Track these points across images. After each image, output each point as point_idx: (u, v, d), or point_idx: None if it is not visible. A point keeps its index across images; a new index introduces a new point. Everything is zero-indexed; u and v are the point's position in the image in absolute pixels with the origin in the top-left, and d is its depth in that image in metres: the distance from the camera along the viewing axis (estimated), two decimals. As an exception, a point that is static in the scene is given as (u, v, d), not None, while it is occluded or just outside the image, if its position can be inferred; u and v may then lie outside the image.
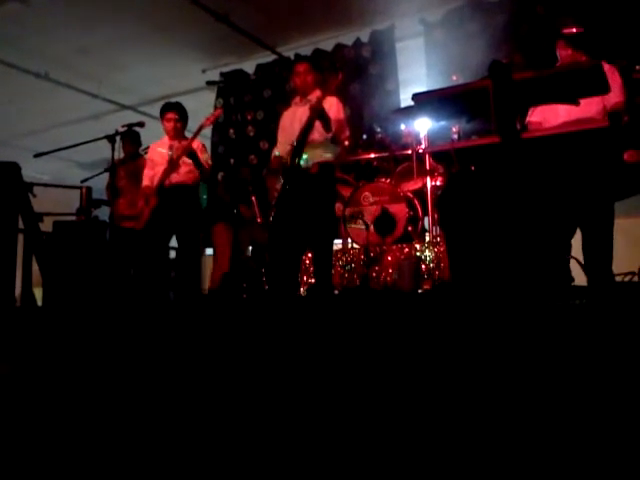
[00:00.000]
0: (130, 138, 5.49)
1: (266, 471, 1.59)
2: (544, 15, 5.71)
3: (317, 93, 3.97)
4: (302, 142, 3.94)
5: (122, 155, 5.46)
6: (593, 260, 3.19)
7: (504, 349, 1.88)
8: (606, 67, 3.35)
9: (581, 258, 3.32)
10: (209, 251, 6.22)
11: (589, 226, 3.21)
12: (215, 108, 7.74)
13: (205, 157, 4.61)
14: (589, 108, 3.31)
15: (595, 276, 3.14)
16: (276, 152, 4.23)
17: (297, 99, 4.21)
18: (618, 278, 3.38)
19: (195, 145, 4.51)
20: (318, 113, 3.82)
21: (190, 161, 4.44)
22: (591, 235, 3.20)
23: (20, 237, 4.19)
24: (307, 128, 3.93)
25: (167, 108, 4.66)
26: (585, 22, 4.95)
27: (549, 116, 3.56)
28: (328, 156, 4.01)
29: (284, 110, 4.41)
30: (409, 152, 5.44)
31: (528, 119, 3.65)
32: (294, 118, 4.10)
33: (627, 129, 3.19)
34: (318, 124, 3.88)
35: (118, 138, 4.88)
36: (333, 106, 3.99)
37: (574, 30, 3.58)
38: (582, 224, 3.27)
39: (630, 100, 3.45)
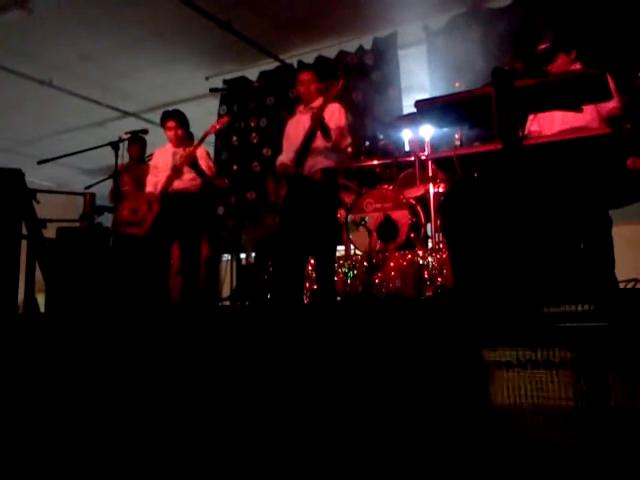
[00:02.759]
0: (137, 143, 5.52)
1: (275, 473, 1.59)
2: (546, 23, 5.72)
3: (320, 101, 3.98)
4: (305, 150, 3.96)
5: (126, 161, 5.48)
6: (595, 267, 3.18)
7: (505, 356, 1.87)
8: None
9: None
10: (226, 256, 6.20)
11: (589, 233, 3.20)
12: (219, 115, 7.76)
13: (208, 164, 4.62)
14: (583, 115, 3.29)
15: (598, 283, 3.13)
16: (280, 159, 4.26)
17: (301, 107, 4.23)
18: (621, 285, 3.38)
19: (198, 152, 4.52)
20: (318, 122, 3.84)
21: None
22: (591, 242, 3.19)
23: (23, 243, 4.19)
24: (309, 137, 3.95)
25: (166, 116, 4.66)
26: (586, 31, 4.97)
27: (545, 125, 3.57)
28: (330, 163, 4.02)
29: (289, 118, 4.43)
30: (412, 159, 5.45)
31: (528, 128, 3.66)
32: (298, 126, 4.12)
33: (630, 136, 3.18)
34: (319, 132, 3.90)
35: (121, 145, 4.90)
36: (335, 113, 4.00)
37: (543, 46, 3.61)
38: (583, 230, 3.26)
39: (633, 107, 3.44)
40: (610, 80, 3.39)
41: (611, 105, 3.38)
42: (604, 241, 3.15)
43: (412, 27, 6.54)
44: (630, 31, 5.24)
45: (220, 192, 5.56)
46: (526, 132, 3.62)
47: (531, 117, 3.62)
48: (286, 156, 4.18)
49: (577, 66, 3.56)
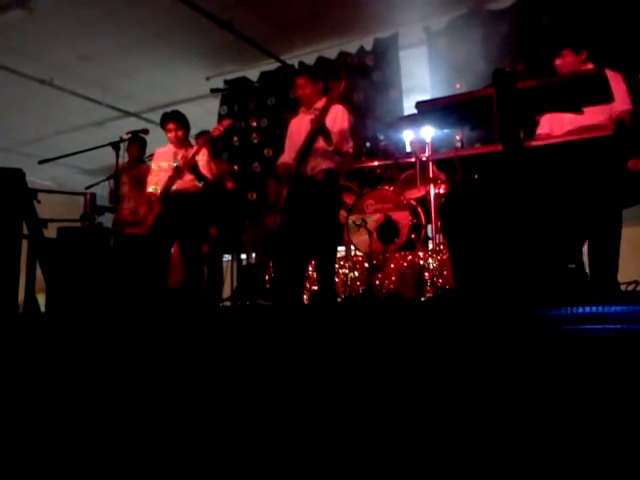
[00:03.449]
0: (137, 143, 5.51)
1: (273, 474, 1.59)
2: (548, 25, 5.72)
3: (323, 102, 3.98)
4: (307, 150, 3.96)
5: (126, 160, 5.47)
6: (598, 269, 3.17)
7: (506, 357, 1.87)
8: (610, 74, 3.35)
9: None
10: (227, 257, 6.21)
11: (594, 235, 3.20)
12: (219, 115, 7.77)
13: (210, 165, 4.59)
14: (595, 117, 3.28)
15: (600, 285, 3.13)
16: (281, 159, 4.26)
17: (304, 107, 4.22)
18: (622, 287, 3.37)
19: (200, 154, 4.50)
20: (318, 128, 3.84)
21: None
22: (596, 244, 3.19)
23: (24, 243, 4.19)
24: (310, 138, 3.95)
25: (165, 119, 4.62)
26: (588, 32, 4.96)
27: (555, 126, 3.55)
28: (331, 164, 4.02)
29: (292, 118, 4.42)
30: (412, 160, 5.45)
31: (538, 131, 3.65)
32: (300, 127, 4.12)
33: (631, 137, 3.18)
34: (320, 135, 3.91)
35: (122, 145, 4.89)
36: (338, 115, 4.00)
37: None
38: (588, 233, 3.25)
39: (634, 108, 3.43)
40: (623, 83, 3.38)
41: (622, 107, 3.35)
42: (609, 243, 3.14)
43: (413, 28, 6.55)
44: (630, 32, 5.24)
45: (227, 193, 5.52)
46: (535, 135, 3.62)
47: (541, 120, 3.61)
48: (288, 156, 4.18)
49: (588, 67, 3.53)
